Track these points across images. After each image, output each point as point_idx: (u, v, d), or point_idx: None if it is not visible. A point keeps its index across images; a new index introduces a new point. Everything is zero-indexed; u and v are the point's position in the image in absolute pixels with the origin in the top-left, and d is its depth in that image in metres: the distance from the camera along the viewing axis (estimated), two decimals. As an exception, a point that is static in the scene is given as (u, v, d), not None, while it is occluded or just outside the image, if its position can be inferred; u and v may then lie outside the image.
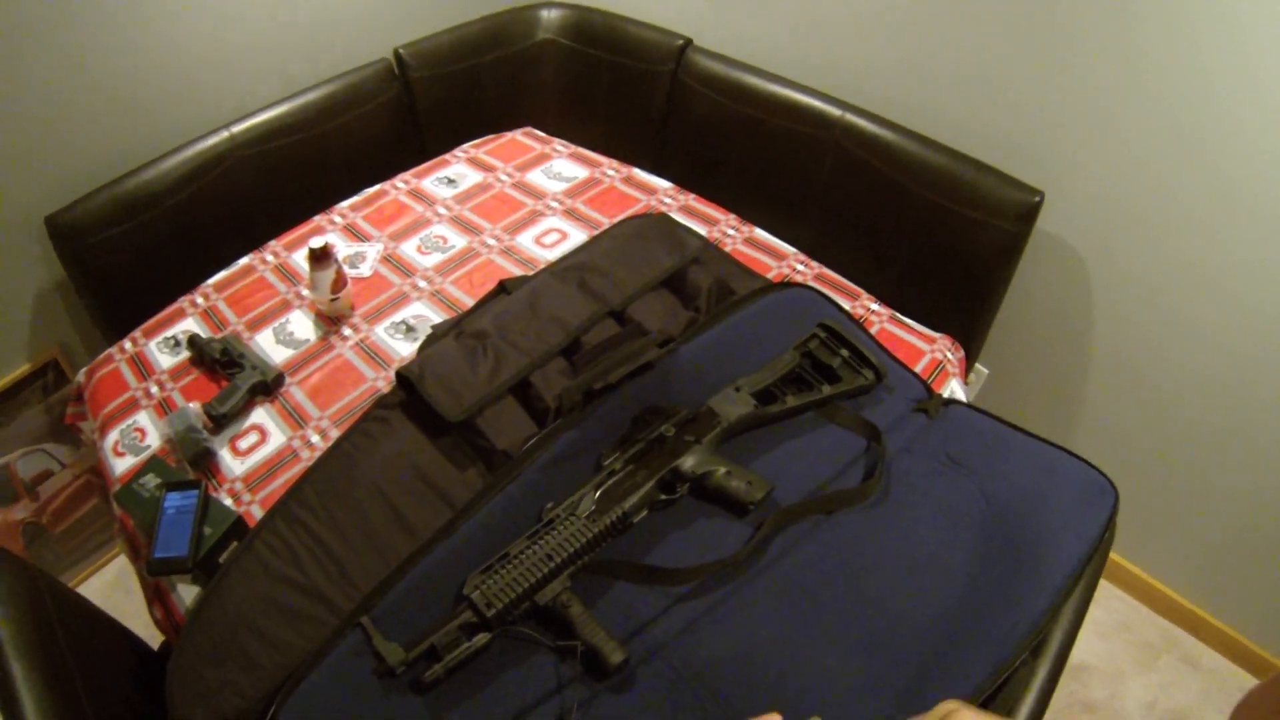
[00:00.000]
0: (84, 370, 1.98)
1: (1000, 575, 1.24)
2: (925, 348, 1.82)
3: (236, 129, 2.37)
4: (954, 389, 1.78)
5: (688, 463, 1.37)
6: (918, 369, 1.70)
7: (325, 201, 2.36)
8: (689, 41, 2.56)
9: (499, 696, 1.17)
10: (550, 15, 2.79)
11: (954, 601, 1.22)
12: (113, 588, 2.61)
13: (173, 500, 1.51)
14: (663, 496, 1.36)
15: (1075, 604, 1.25)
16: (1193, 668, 2.31)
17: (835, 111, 2.20)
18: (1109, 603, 2.46)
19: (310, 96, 2.49)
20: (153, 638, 1.60)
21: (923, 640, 1.18)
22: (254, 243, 2.23)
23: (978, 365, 2.42)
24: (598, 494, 1.33)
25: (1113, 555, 2.43)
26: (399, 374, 1.60)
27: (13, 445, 2.39)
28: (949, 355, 1.82)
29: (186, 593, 1.47)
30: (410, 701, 1.17)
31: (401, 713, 1.16)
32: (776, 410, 1.47)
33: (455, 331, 1.70)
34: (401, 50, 2.65)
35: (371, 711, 1.17)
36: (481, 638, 1.19)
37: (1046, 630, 1.20)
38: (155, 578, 1.49)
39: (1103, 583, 2.48)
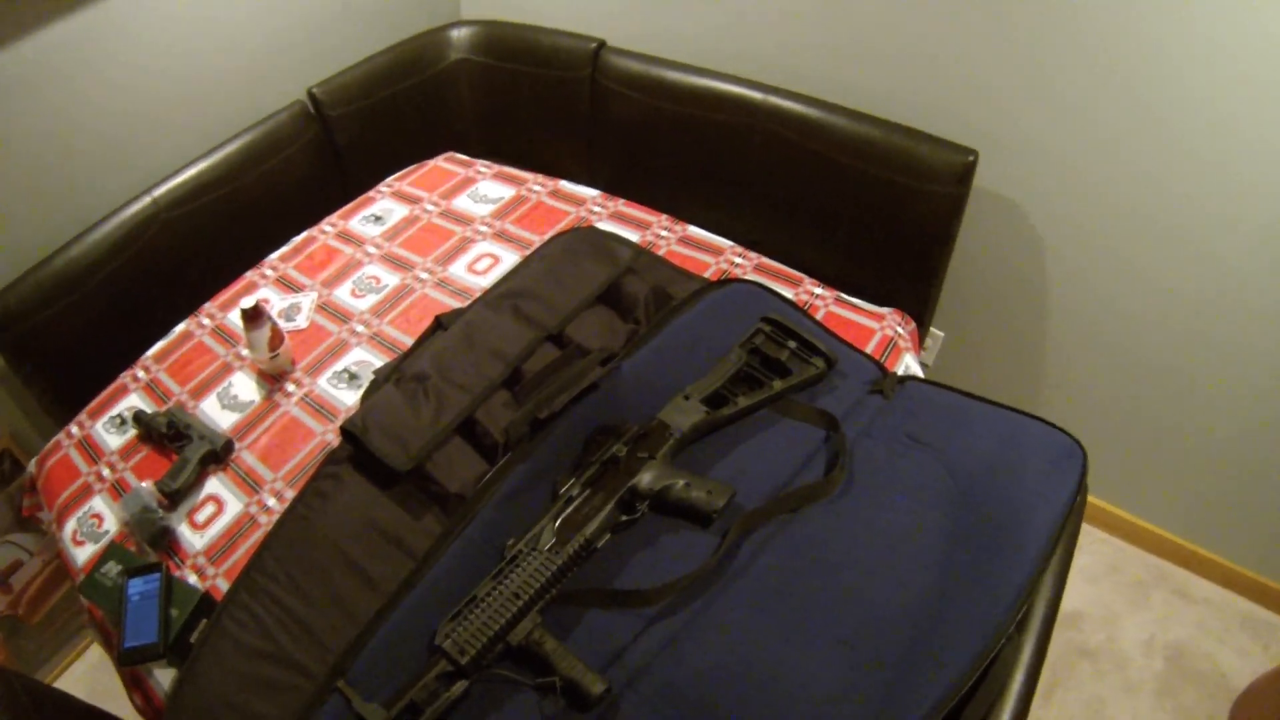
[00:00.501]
0: (34, 460, 1.95)
1: (975, 552, 1.24)
2: (874, 325, 1.81)
3: (159, 192, 2.34)
4: (908, 364, 1.78)
5: (645, 480, 1.36)
6: (869, 348, 1.70)
7: (257, 253, 2.34)
8: (602, 43, 2.54)
9: None
10: (461, 34, 2.76)
11: (931, 584, 1.21)
12: (97, 669, 2.58)
13: (136, 586, 1.49)
14: (624, 517, 1.35)
15: (1055, 570, 1.23)
16: (1186, 599, 2.33)
17: (758, 96, 2.19)
18: (1095, 547, 2.48)
19: (230, 148, 2.45)
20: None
21: (904, 627, 1.17)
22: (190, 306, 2.21)
23: (933, 329, 2.43)
24: (557, 524, 1.32)
25: (1095, 500, 2.45)
26: (343, 429, 1.59)
27: (-22, 540, 2.37)
28: (899, 330, 1.81)
29: (164, 676, 1.46)
30: None
31: None
32: (729, 413, 1.46)
33: (395, 376, 1.68)
34: (315, 90, 2.61)
35: None
36: (459, 686, 1.18)
37: (1029, 603, 1.18)
38: (128, 667, 1.48)
39: (1087, 528, 2.50)
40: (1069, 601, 2.30)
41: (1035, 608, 1.20)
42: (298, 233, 2.39)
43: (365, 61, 2.71)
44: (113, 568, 1.55)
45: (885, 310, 1.85)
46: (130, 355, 2.10)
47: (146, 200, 2.32)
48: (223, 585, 1.55)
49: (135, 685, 1.52)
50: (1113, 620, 2.30)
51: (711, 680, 1.17)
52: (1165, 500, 2.34)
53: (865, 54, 2.09)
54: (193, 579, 1.56)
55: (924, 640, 1.16)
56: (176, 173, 2.38)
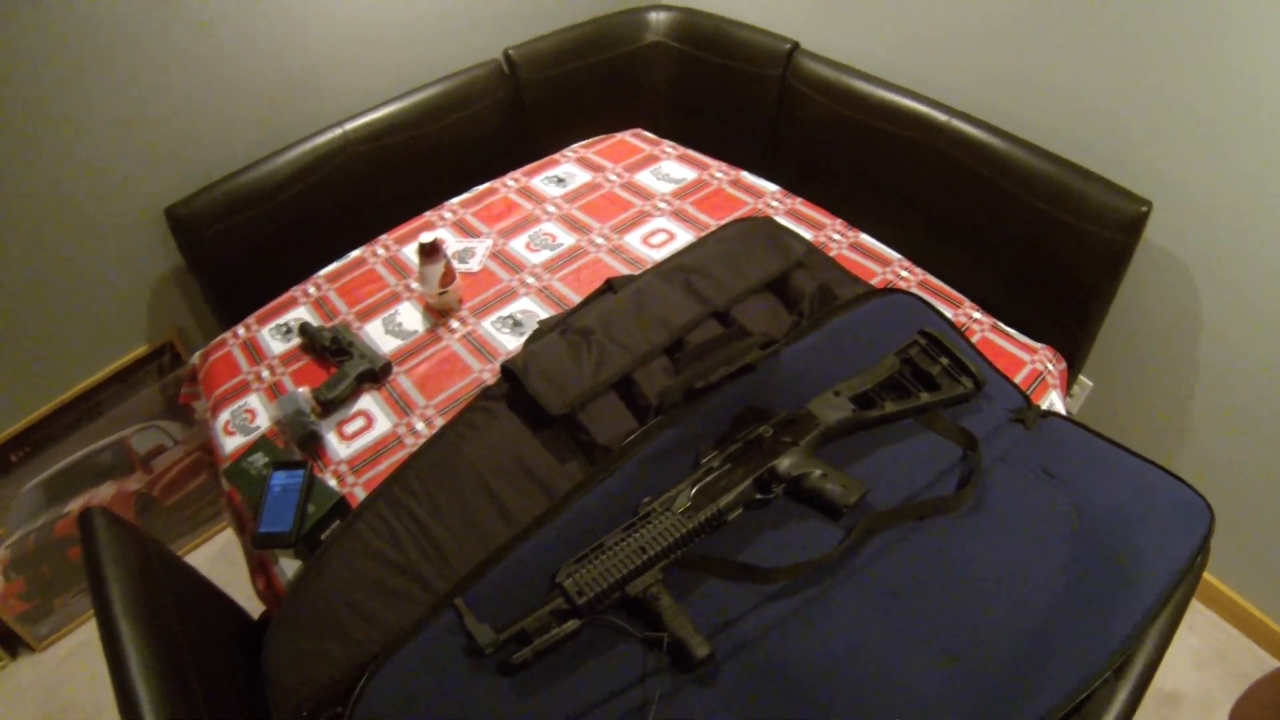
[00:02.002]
0: (199, 353, 2.05)
1: (1088, 592, 1.23)
2: (1026, 358, 1.78)
3: (350, 126, 2.44)
4: (1053, 401, 1.75)
5: (784, 464, 1.36)
6: (1018, 379, 1.67)
7: (434, 198, 2.41)
8: (796, 45, 2.54)
9: (583, 682, 1.19)
10: (659, 18, 2.80)
11: (1040, 615, 1.20)
12: (217, 560, 2.70)
13: (279, 479, 1.55)
14: (758, 496, 1.35)
15: (1163, 626, 1.22)
16: (1292, 704, 2.20)
17: (941, 117, 2.17)
18: (1208, 630, 2.36)
19: (422, 95, 2.54)
20: (253, 609, 1.65)
21: (1006, 651, 1.17)
22: (365, 236, 2.29)
23: (1082, 378, 2.36)
24: (694, 490, 1.33)
25: (1214, 580, 2.35)
26: (504, 366, 1.63)
27: (129, 421, 2.50)
28: (1050, 366, 1.78)
29: (289, 566, 1.52)
30: (496, 682, 1.19)
31: (487, 692, 1.18)
32: (875, 415, 1.46)
33: (561, 327, 1.72)
34: (511, 51, 2.68)
35: (458, 689, 1.19)
36: (571, 624, 1.20)
37: (1131, 650, 1.18)
38: (259, 551, 1.55)
39: (1201, 608, 2.40)
40: (1171, 681, 2.22)
41: (1136, 658, 1.20)
42: (476, 183, 2.46)
43: (563, 31, 2.77)
44: (260, 458, 1.62)
45: (1039, 345, 1.81)
46: (302, 272, 2.19)
47: (337, 132, 2.42)
48: (360, 494, 1.60)
49: (260, 570, 1.58)
50: (1211, 709, 2.18)
51: (813, 665, 1.17)
52: None
53: (1050, 89, 2.05)
54: (332, 483, 1.61)
55: (1025, 666, 1.15)
56: (368, 110, 2.48)
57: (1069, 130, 2.04)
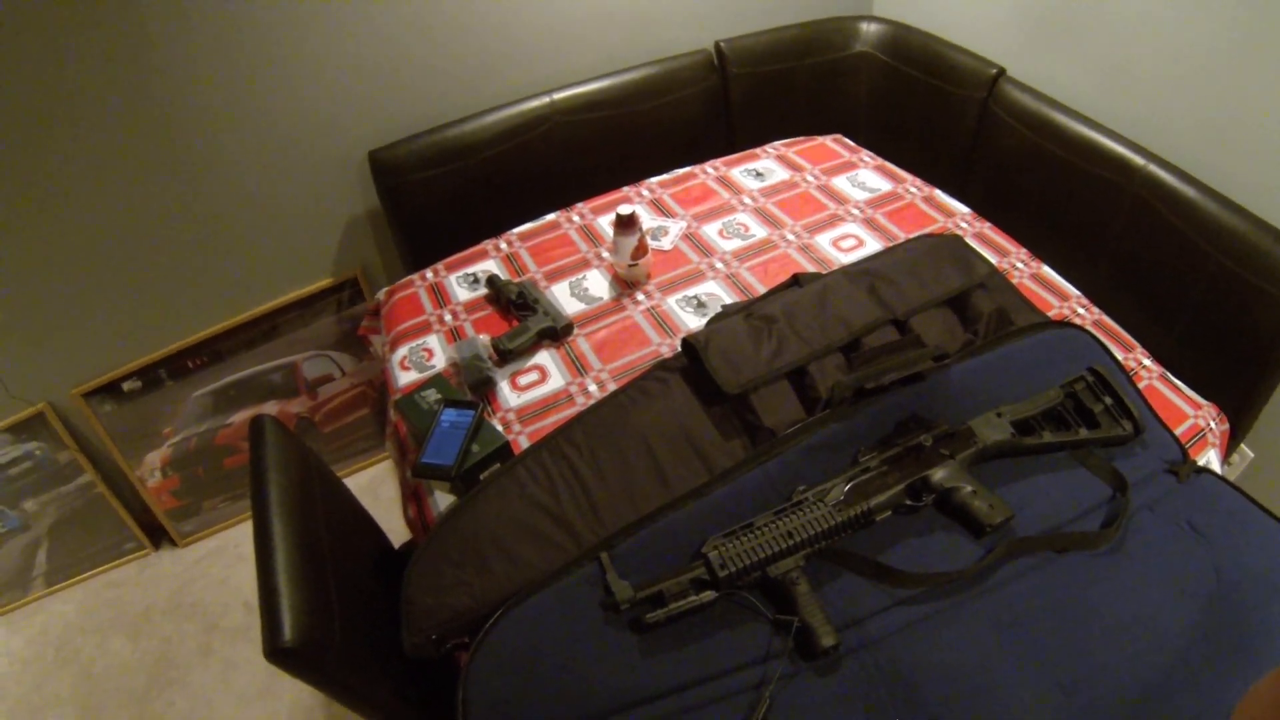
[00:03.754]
0: (385, 290, 2.13)
1: (1215, 655, 1.19)
2: (1190, 412, 1.72)
3: (558, 96, 2.51)
4: (1210, 459, 1.69)
5: (938, 475, 1.36)
6: (1178, 431, 1.61)
7: (631, 175, 2.46)
8: (1003, 71, 2.50)
9: (708, 652, 1.21)
10: (869, 29, 2.80)
11: (1162, 669, 1.18)
12: (362, 492, 2.76)
13: (449, 416, 1.61)
14: (908, 502, 1.36)
15: None
16: None
17: (1138, 160, 2.11)
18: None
19: (631, 75, 2.60)
20: (395, 540, 1.72)
21: (1122, 697, 1.15)
22: (559, 203, 2.34)
23: (1243, 446, 2.26)
24: (848, 486, 1.34)
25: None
26: (685, 341, 1.65)
27: (303, 347, 2.62)
28: (1212, 425, 1.71)
29: (442, 500, 1.57)
30: (626, 638, 1.22)
31: (615, 645, 1.21)
32: (1032, 443, 1.44)
33: (745, 313, 1.73)
34: (722, 44, 2.71)
35: (588, 637, 1.22)
36: (707, 594, 1.22)
37: None
38: (417, 479, 1.59)
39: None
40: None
41: None
42: (673, 166, 2.49)
43: (774, 30, 2.79)
44: (432, 394, 1.68)
45: (1205, 402, 1.74)
46: (490, 230, 2.26)
47: (545, 100, 2.49)
48: (524, 443, 1.64)
49: (414, 499, 1.64)
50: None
51: (931, 674, 1.17)
52: None
53: (1252, 144, 1.97)
54: (499, 429, 1.65)
55: (1138, 715, 1.13)
56: (577, 83, 2.55)
57: (1268, 188, 1.96)
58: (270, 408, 2.65)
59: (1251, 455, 2.27)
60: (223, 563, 2.73)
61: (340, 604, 1.25)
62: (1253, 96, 1.93)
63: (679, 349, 1.71)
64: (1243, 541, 1.34)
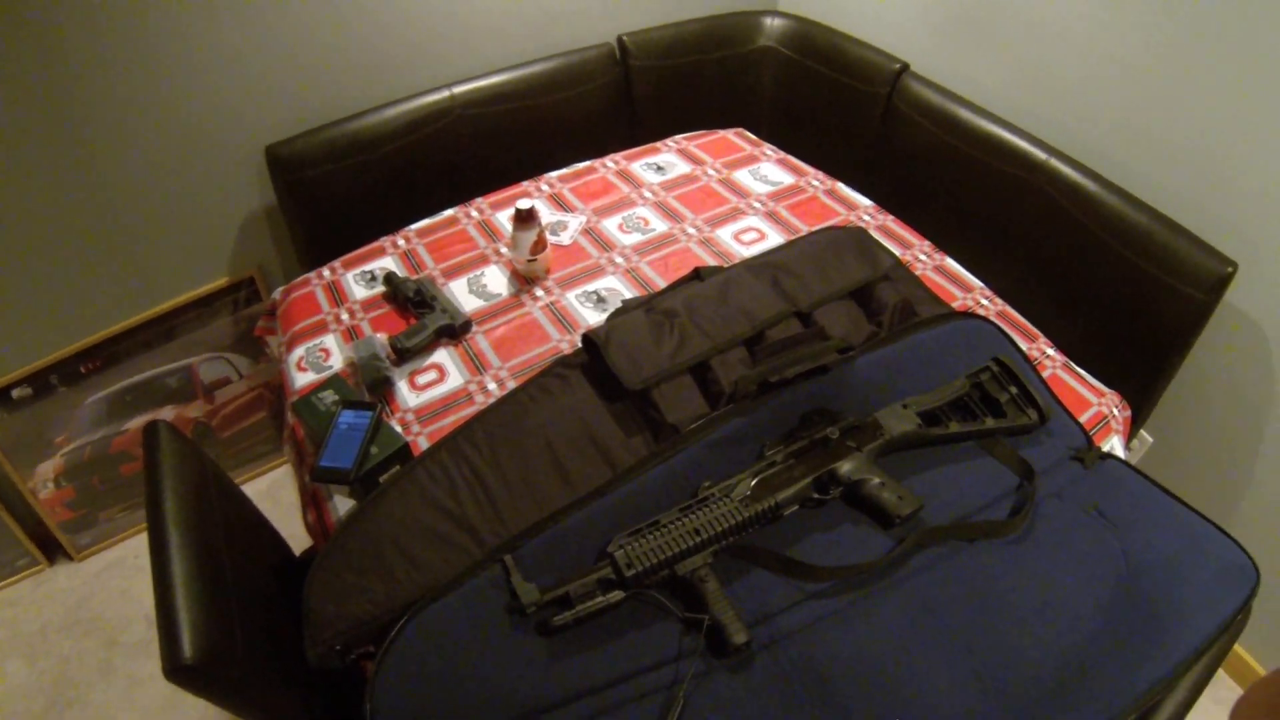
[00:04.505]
0: (281, 289, 2.08)
1: (1125, 635, 1.23)
2: (1093, 400, 1.76)
3: (459, 90, 2.47)
4: (1114, 445, 1.74)
5: (845, 467, 1.37)
6: (1082, 419, 1.66)
7: (533, 169, 2.43)
8: (906, 66, 2.54)
9: (618, 653, 1.19)
10: (773, 24, 2.82)
11: (1074, 651, 1.20)
12: (262, 497, 2.74)
13: (347, 417, 1.56)
14: (816, 495, 1.36)
15: (1194, 679, 1.23)
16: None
17: (1041, 155, 2.17)
18: (1229, 700, 2.28)
19: (533, 69, 2.57)
20: (295, 548, 1.68)
21: (1035, 681, 1.17)
22: (459, 197, 2.31)
23: (1142, 432, 2.33)
24: (755, 481, 1.34)
25: (1244, 653, 2.30)
26: (585, 336, 1.63)
27: (199, 349, 2.54)
28: (1115, 412, 1.76)
29: (341, 504, 1.53)
30: (534, 641, 1.19)
31: (522, 650, 1.19)
32: (939, 433, 1.46)
33: (646, 307, 1.72)
34: (625, 38, 2.70)
35: (495, 642, 1.19)
36: (615, 595, 1.21)
37: (1159, 699, 1.19)
38: (315, 484, 1.56)
39: (1230, 683, 2.35)
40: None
41: (1163, 708, 1.22)
42: (576, 160, 2.47)
43: (678, 24, 2.79)
44: (329, 395, 1.63)
45: (1107, 390, 1.80)
46: (392, 225, 2.21)
47: (445, 94, 2.45)
48: (423, 444, 1.61)
49: (313, 504, 1.59)
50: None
51: (844, 667, 1.18)
52: None
53: (1153, 141, 2.03)
54: (398, 429, 1.62)
55: (1051, 699, 1.15)
56: (478, 77, 2.51)
57: (1165, 181, 2.02)
58: (167, 413, 2.57)
59: (1151, 440, 2.34)
60: (122, 575, 2.63)
61: (241, 616, 1.21)
62: (1153, 94, 1.99)
63: (579, 345, 1.69)
64: (1149, 525, 1.38)
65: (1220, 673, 2.23)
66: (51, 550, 2.67)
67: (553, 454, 1.49)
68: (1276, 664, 2.18)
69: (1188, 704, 1.23)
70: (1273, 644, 2.24)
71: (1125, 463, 1.52)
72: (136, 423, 2.53)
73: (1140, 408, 2.05)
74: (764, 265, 1.81)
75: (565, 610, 1.19)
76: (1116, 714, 1.14)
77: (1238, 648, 2.30)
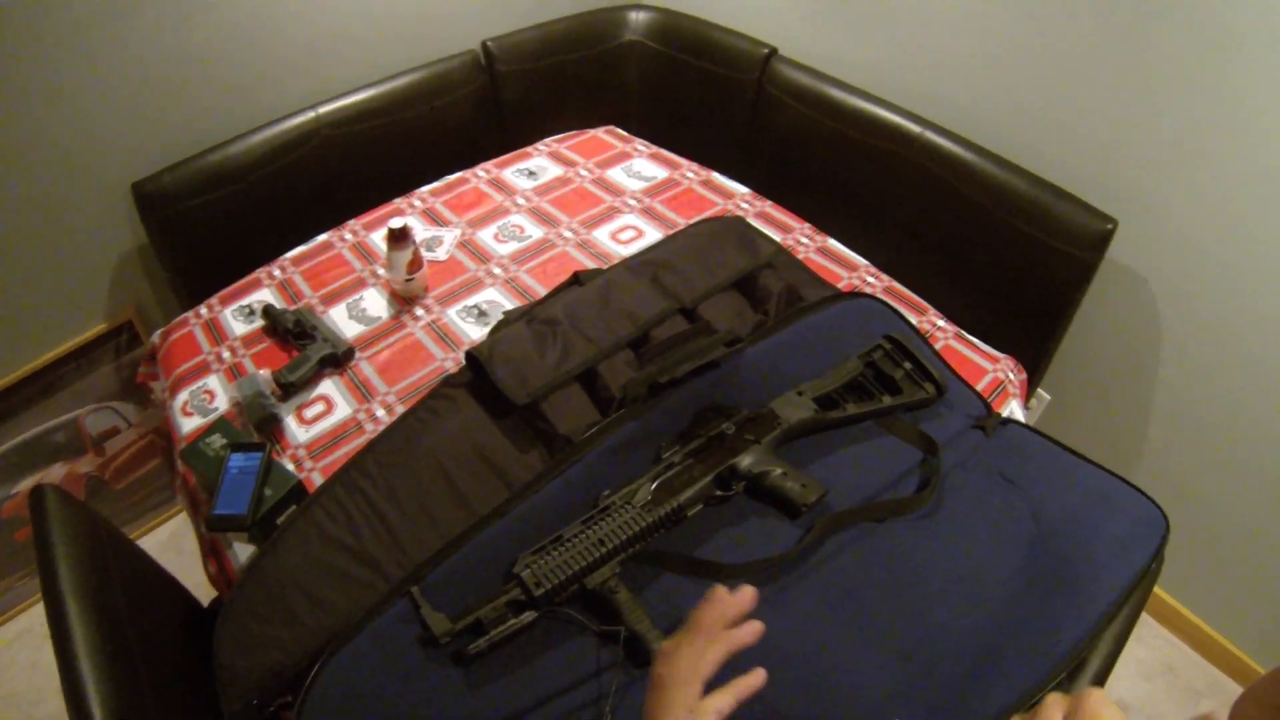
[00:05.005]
0: (159, 331, 2.02)
1: (1043, 596, 1.24)
2: (988, 366, 1.80)
3: (323, 109, 2.42)
4: (1013, 409, 1.77)
5: (745, 461, 1.37)
6: (979, 387, 1.70)
7: (406, 185, 2.39)
8: (774, 51, 2.56)
9: (539, 675, 1.18)
10: (638, 17, 2.81)
11: (995, 618, 1.22)
12: (165, 547, 2.66)
13: (237, 461, 1.53)
14: (718, 492, 1.36)
15: (1116, 632, 1.25)
16: (1236, 718, 2.23)
17: (915, 129, 2.20)
18: (1155, 643, 2.40)
19: (398, 82, 2.53)
20: (202, 597, 1.63)
21: (960, 653, 1.18)
22: (334, 220, 2.27)
23: (1040, 390, 2.40)
24: (654, 485, 1.33)
25: (1163, 596, 2.39)
26: (468, 354, 1.62)
27: (84, 401, 2.46)
28: (1011, 376, 1.81)
29: (242, 551, 1.50)
30: (451, 672, 1.18)
31: (441, 682, 1.17)
32: (837, 417, 1.47)
33: (527, 318, 1.71)
34: (489, 43, 2.68)
35: (412, 678, 1.18)
36: (527, 616, 1.20)
37: (1084, 655, 1.19)
38: (213, 533, 1.52)
39: (1151, 622, 2.44)
40: (1119, 692, 2.25)
41: (1089, 663, 1.23)
42: (449, 172, 2.45)
43: (542, 25, 2.77)
44: (217, 439, 1.59)
45: (1001, 355, 1.84)
46: (266, 255, 2.17)
47: (310, 115, 2.40)
48: (317, 479, 1.58)
49: (213, 553, 1.56)
50: (1158, 721, 2.22)
51: (766, 662, 1.14)
52: (1235, 608, 2.27)
53: (1024, 106, 2.08)
54: (290, 468, 1.59)
55: (978, 668, 1.16)
56: (343, 95, 2.46)
57: (1039, 146, 2.07)
58: (57, 470, 2.48)
59: (1049, 398, 2.41)
60: (30, 646, 2.53)
61: (152, 681, 1.18)
62: (1021, 59, 2.03)
63: (464, 363, 1.68)
64: (1054, 483, 1.40)
65: (1143, 615, 2.33)
66: (-49, 628, 2.57)
67: (447, 478, 1.48)
68: (1197, 604, 2.29)
69: (1114, 654, 1.25)
70: (1192, 585, 2.33)
71: (1026, 425, 1.55)
72: (26, 484, 2.44)
73: (1035, 368, 2.10)
74: (643, 264, 1.82)
75: (479, 637, 1.17)
76: (1045, 675, 1.14)
77: (1158, 590, 2.39)
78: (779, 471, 1.35)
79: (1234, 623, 2.29)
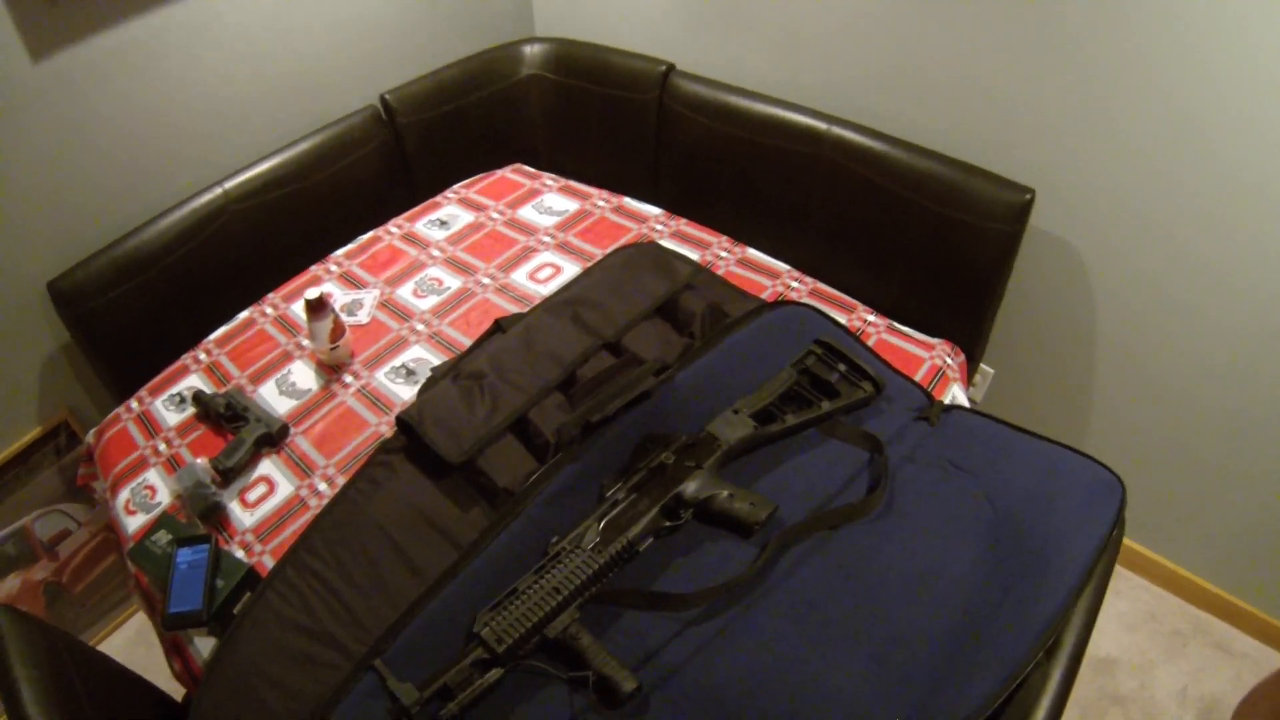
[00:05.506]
0: (93, 431, 2.01)
1: (1009, 580, 1.25)
2: (924, 355, 1.83)
3: (230, 184, 2.40)
4: (955, 394, 1.79)
5: (690, 488, 1.38)
6: (917, 377, 1.71)
7: (321, 250, 2.39)
8: (671, 67, 2.57)
9: None
10: (533, 50, 2.82)
11: (963, 610, 1.23)
12: (134, 643, 2.63)
13: (184, 556, 1.53)
14: (667, 523, 1.36)
15: (1088, 602, 1.24)
16: (1224, 653, 2.28)
17: (822, 126, 2.21)
18: (1134, 594, 2.44)
19: (301, 147, 2.52)
20: (177, 690, 1.62)
21: (933, 650, 1.19)
22: (254, 295, 2.26)
23: (983, 366, 2.43)
24: (601, 525, 1.34)
25: (1135, 545, 2.42)
26: (399, 419, 1.63)
27: (29, 507, 2.42)
28: (949, 360, 1.83)
29: (204, 644, 1.49)
30: None
31: None
32: (776, 429, 1.48)
33: (453, 374, 1.72)
34: (387, 96, 2.67)
35: None
36: (494, 673, 1.20)
37: (1059, 631, 1.19)
38: (171, 632, 1.51)
39: (1126, 573, 2.48)
40: (1104, 647, 2.28)
41: (1065, 639, 1.21)
42: (363, 232, 2.45)
43: (438, 71, 2.77)
44: (163, 536, 1.59)
45: (936, 341, 1.87)
46: (193, 338, 2.16)
47: (217, 191, 2.38)
48: (269, 562, 1.58)
49: (175, 651, 1.55)
50: (1147, 669, 2.26)
51: (741, 686, 1.18)
52: (1208, 549, 2.31)
53: (928, 89, 2.11)
54: (239, 554, 1.59)
55: (953, 662, 1.17)
56: (248, 167, 2.45)
57: (948, 126, 2.11)
58: (11, 582, 2.44)
59: (992, 373, 2.44)
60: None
61: None
62: (917, 41, 2.06)
63: (396, 427, 1.69)
64: (1005, 465, 1.41)
65: (1118, 567, 2.37)
66: (-80, 751, 2.52)
67: (395, 546, 1.49)
68: (1169, 548, 2.33)
69: (1089, 623, 1.24)
70: (1162, 531, 2.37)
71: (970, 409, 1.56)
72: (-19, 598, 2.41)
73: (975, 346, 2.12)
74: (562, 303, 1.83)
75: (449, 702, 1.18)
76: (1022, 659, 1.14)
77: (1129, 541, 2.43)
78: (725, 494, 1.36)
79: (1207, 562, 2.34)
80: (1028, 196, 1.92)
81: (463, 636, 1.27)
